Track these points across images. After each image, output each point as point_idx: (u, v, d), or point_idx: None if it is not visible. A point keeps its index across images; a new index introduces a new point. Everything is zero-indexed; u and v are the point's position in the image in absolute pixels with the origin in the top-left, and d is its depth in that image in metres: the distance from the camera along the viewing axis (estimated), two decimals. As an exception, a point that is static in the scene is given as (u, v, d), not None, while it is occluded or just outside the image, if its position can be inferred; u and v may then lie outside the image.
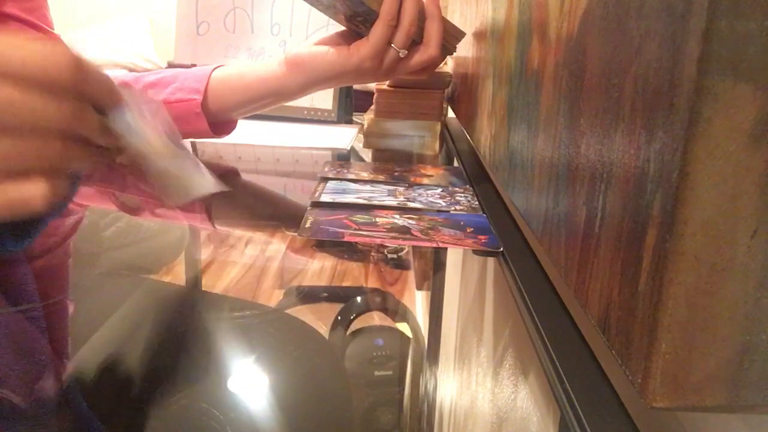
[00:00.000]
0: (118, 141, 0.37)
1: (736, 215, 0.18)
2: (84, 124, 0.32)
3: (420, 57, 0.62)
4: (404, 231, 0.47)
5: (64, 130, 0.31)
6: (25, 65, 0.29)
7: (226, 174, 0.84)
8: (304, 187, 0.73)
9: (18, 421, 0.37)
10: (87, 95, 0.32)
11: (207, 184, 0.42)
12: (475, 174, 0.65)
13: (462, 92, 0.78)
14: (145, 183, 0.68)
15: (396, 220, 0.49)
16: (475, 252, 0.45)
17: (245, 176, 0.82)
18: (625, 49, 0.23)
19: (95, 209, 0.68)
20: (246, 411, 0.58)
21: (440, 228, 0.48)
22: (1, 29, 0.32)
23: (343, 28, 0.66)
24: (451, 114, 0.94)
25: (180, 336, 0.65)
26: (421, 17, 0.61)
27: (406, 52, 0.61)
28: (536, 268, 0.40)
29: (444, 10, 0.70)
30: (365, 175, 0.65)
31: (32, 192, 0.30)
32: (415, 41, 0.62)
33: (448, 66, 0.93)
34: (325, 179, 0.62)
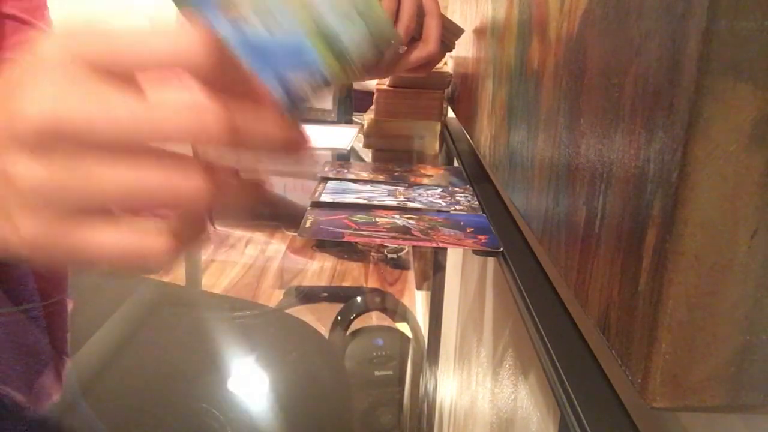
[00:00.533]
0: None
1: (736, 215, 0.18)
2: (253, 129, 0.21)
3: (419, 53, 0.62)
4: (404, 231, 0.47)
5: (225, 142, 0.21)
6: (151, 54, 0.20)
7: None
8: (304, 187, 0.73)
9: (18, 419, 0.37)
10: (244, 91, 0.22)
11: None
12: (475, 174, 0.65)
13: (462, 92, 0.78)
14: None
15: (396, 220, 0.49)
16: (475, 252, 0.45)
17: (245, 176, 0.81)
18: (625, 49, 0.23)
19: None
20: (246, 410, 0.58)
21: (440, 228, 0.48)
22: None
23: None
24: (451, 114, 0.94)
25: (180, 336, 0.65)
26: (420, 14, 0.61)
27: (405, 48, 0.61)
28: (536, 268, 0.40)
29: (444, 9, 0.70)
30: (365, 175, 0.65)
31: (152, 241, 0.22)
32: (414, 38, 0.62)
33: (448, 66, 0.93)
34: (325, 179, 0.62)
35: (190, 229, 0.23)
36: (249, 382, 0.61)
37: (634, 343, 0.21)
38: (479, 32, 0.64)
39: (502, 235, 0.46)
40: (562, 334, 0.32)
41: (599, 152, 0.25)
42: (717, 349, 0.19)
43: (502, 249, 0.43)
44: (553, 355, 0.30)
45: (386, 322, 1.20)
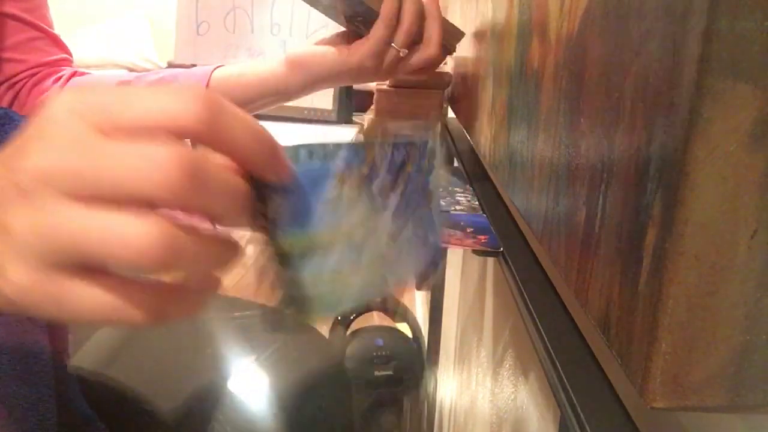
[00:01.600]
0: (266, 232, 0.27)
1: (736, 215, 0.18)
2: (218, 199, 0.23)
3: (420, 56, 0.62)
4: (404, 231, 0.47)
5: (187, 203, 0.23)
6: (145, 113, 0.22)
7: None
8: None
9: (19, 420, 0.37)
10: (233, 153, 0.23)
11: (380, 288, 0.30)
12: (475, 174, 0.65)
13: (462, 92, 0.78)
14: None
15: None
16: (475, 252, 0.45)
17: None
18: (625, 49, 0.23)
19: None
20: (246, 411, 0.58)
21: (440, 228, 0.48)
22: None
23: (343, 28, 0.66)
24: (451, 114, 0.94)
25: (180, 335, 0.65)
26: (421, 17, 0.61)
27: (407, 51, 0.61)
28: (536, 268, 0.40)
29: (444, 10, 0.70)
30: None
31: (133, 312, 0.23)
32: (415, 41, 0.62)
33: (448, 66, 0.93)
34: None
35: (178, 305, 0.24)
36: (249, 381, 0.61)
37: (634, 343, 0.21)
38: (479, 32, 0.64)
39: (502, 235, 0.46)
40: (562, 334, 0.32)
41: (599, 152, 0.25)
42: (717, 349, 0.19)
43: (502, 249, 0.43)
44: (553, 355, 0.30)
45: (386, 322, 1.20)
